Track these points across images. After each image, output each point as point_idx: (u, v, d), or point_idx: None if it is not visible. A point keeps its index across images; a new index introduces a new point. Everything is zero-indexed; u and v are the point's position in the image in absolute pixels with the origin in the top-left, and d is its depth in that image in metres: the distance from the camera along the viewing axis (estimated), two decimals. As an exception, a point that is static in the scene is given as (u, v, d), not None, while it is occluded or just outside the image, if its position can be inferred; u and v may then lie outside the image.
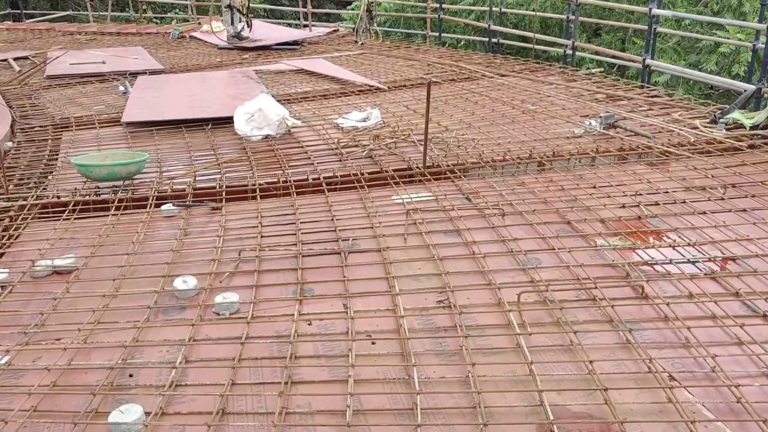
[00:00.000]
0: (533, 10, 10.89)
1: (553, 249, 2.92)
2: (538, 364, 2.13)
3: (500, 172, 4.06)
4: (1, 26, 13.40)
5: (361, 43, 10.14)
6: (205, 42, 10.62)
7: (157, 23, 14.86)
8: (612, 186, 3.69)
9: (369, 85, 6.81)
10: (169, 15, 15.84)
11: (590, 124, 4.90)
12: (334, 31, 12.07)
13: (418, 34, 12.40)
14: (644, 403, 1.96)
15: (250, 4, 10.38)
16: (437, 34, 11.28)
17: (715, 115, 4.93)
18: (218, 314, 2.51)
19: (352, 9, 14.11)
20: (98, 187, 3.98)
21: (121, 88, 6.90)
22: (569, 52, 8.92)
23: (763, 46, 7.00)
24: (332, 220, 3.35)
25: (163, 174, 4.20)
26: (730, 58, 9.86)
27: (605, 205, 3.41)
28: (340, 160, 4.36)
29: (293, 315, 2.46)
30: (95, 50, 9.77)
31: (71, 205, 3.69)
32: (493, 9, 10.48)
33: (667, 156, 4.24)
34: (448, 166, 4.09)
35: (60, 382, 2.13)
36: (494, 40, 10.18)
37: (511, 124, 5.10)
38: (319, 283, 2.72)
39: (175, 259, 2.96)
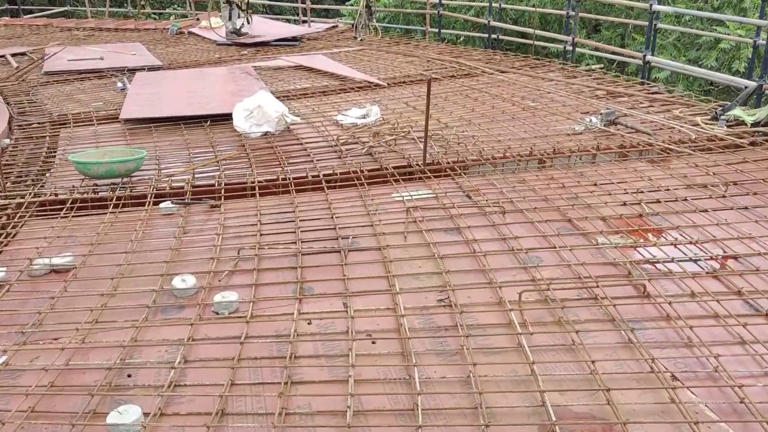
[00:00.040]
0: (533, 6, 10.86)
1: (555, 247, 2.90)
2: (540, 364, 2.11)
3: (501, 170, 4.05)
4: (-2, 22, 13.35)
5: (361, 39, 10.11)
6: (204, 38, 10.58)
7: (155, 19, 14.79)
8: (613, 183, 3.68)
9: (368, 82, 6.79)
10: (167, 11, 15.79)
11: (591, 121, 4.88)
12: (333, 27, 12.04)
13: (418, 30, 12.36)
14: (647, 403, 1.95)
15: (249, 0, 10.34)
16: (437, 30, 11.24)
17: (716, 112, 4.91)
18: (217, 313, 2.49)
19: (351, 5, 14.05)
20: (96, 185, 3.95)
21: (119, 84, 6.87)
22: (569, 48, 8.89)
23: (764, 42, 6.98)
24: (332, 218, 3.33)
25: (162, 171, 4.18)
26: (730, 54, 9.83)
27: (606, 202, 3.39)
28: (340, 158, 4.34)
29: (293, 314, 2.44)
30: (93, 46, 9.73)
31: (69, 202, 3.66)
32: (493, 5, 10.44)
33: (668, 153, 4.22)
34: (448, 163, 4.07)
35: (58, 382, 2.11)
36: (494, 36, 10.15)
37: (512, 121, 5.08)
38: (318, 281, 2.71)
39: (174, 258, 2.94)
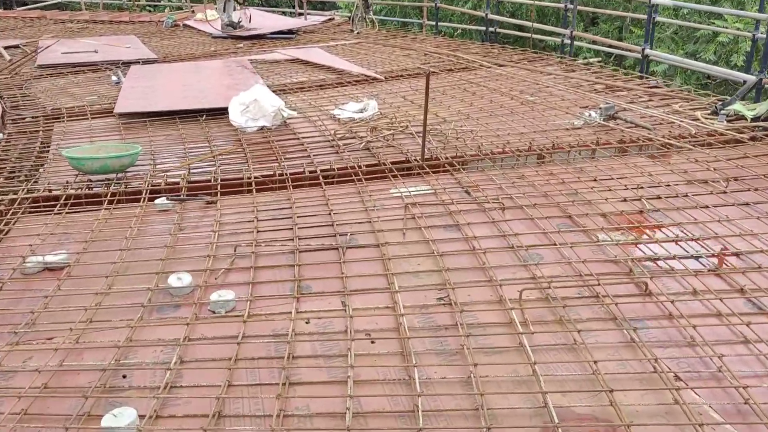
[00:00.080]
0: (530, -1, 10.79)
1: (555, 244, 2.87)
2: (542, 364, 2.09)
3: (500, 165, 4.01)
4: (-9, 14, 13.22)
5: (357, 32, 10.04)
6: (199, 31, 10.50)
7: (150, 11, 14.68)
8: (613, 179, 3.64)
9: (365, 75, 6.73)
10: (162, 3, 15.65)
11: (590, 115, 4.84)
12: (330, 19, 11.95)
13: (415, 22, 12.29)
14: (650, 404, 1.92)
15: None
16: (434, 22, 11.17)
17: (716, 107, 4.88)
18: (214, 312, 2.46)
19: (348, -3, 13.96)
20: (90, 181, 3.91)
21: (114, 77, 6.79)
22: (567, 41, 8.84)
23: (763, 35, 6.94)
24: (329, 214, 3.29)
25: (157, 167, 4.13)
26: (728, 48, 9.80)
27: (606, 198, 3.36)
28: (337, 153, 4.29)
29: (290, 313, 2.41)
30: (87, 39, 9.63)
31: (63, 199, 3.62)
32: (490, -3, 10.37)
33: (668, 148, 4.19)
34: (446, 158, 4.03)
35: (51, 384, 2.07)
36: (491, 29, 10.08)
37: (510, 115, 5.03)
38: (316, 279, 2.67)
39: (170, 255, 2.90)
